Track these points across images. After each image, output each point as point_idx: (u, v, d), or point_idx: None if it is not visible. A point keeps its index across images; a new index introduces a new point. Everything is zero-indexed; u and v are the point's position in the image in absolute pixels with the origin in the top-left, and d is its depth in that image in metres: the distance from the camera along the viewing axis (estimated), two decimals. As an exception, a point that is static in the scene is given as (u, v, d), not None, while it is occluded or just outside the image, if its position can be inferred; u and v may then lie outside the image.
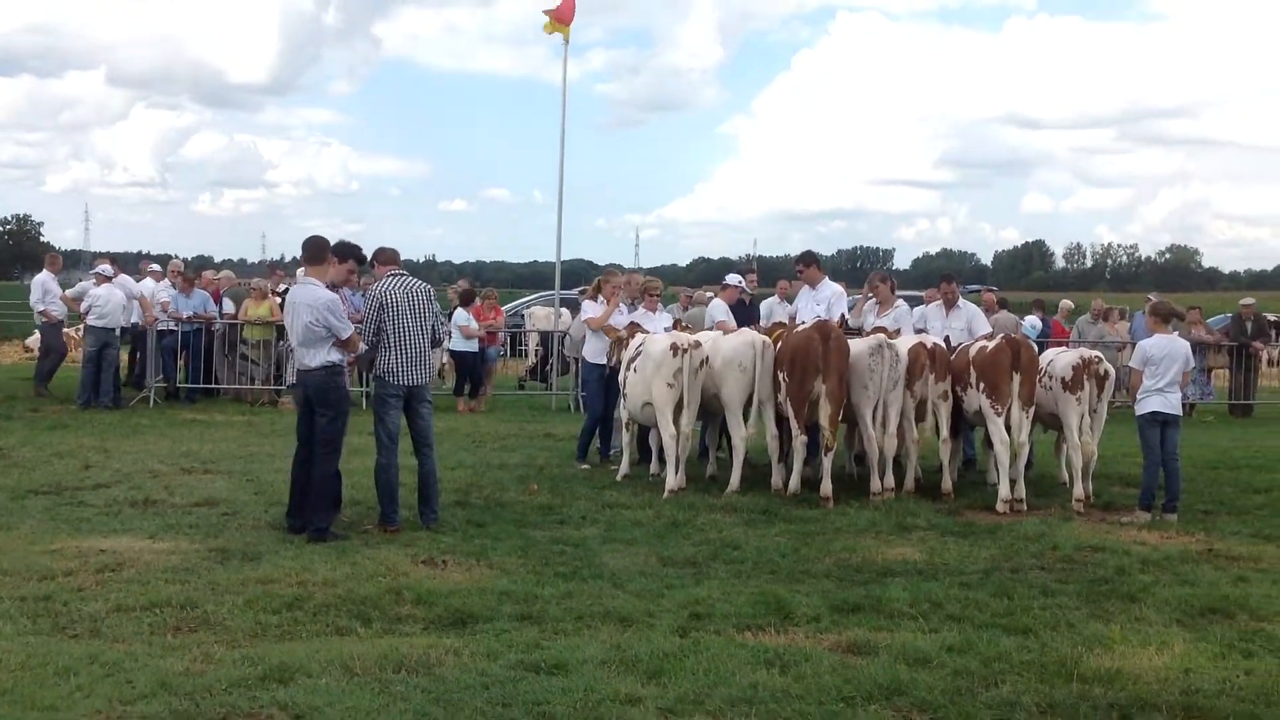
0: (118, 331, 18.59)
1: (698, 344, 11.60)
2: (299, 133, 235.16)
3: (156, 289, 20.00)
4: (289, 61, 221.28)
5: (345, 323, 9.45)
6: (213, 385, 19.81)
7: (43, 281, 20.07)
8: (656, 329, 12.83)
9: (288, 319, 9.83)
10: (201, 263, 41.38)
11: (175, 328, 19.37)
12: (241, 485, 11.39)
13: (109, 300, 18.29)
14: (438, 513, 9.89)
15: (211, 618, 6.98)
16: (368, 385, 19.91)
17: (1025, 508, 10.99)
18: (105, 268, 18.90)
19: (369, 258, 10.28)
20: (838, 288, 13.62)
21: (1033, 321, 12.96)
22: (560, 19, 20.85)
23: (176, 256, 25.76)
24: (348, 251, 10.19)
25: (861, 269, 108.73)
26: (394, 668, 6.05)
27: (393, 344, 9.73)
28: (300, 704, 5.47)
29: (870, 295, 13.82)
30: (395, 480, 9.77)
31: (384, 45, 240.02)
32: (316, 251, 9.63)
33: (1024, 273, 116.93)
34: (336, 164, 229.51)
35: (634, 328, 12.65)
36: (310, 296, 9.37)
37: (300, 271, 10.55)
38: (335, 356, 9.43)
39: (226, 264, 38.81)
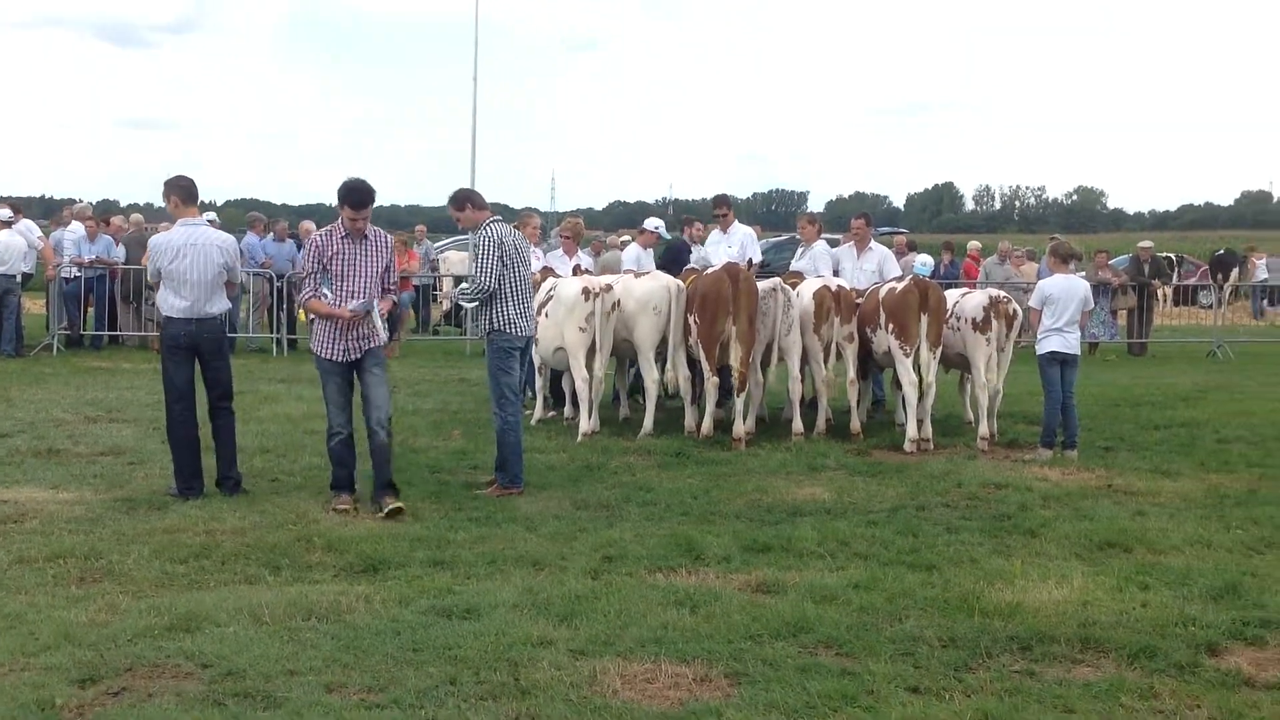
0: (19, 278, 18.11)
1: (609, 287, 11.60)
2: (210, 73, 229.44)
3: (64, 234, 19.51)
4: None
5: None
6: (117, 332, 19.43)
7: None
8: (568, 272, 12.81)
9: (180, 261, 8.77)
10: (106, 207, 40.40)
11: (79, 274, 18.93)
12: (148, 433, 11.20)
13: (9, 247, 17.78)
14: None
15: (117, 568, 6.89)
16: (278, 332, 19.78)
17: (932, 447, 11.20)
18: (4, 212, 18.37)
19: (464, 200, 9.40)
20: (749, 230, 13.69)
21: (924, 259, 13.32)
22: None
23: (81, 200, 24.99)
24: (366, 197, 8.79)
25: (777, 211, 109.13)
26: (303, 615, 6.02)
27: (511, 294, 9.26)
28: (208, 653, 5.43)
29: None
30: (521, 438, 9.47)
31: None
32: (193, 191, 9.08)
33: (935, 214, 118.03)
34: (247, 106, 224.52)
35: (546, 271, 12.60)
36: (219, 238, 9.09)
37: (182, 216, 9.05)
38: (227, 302, 9.22)
39: (133, 208, 37.80)
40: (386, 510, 8.24)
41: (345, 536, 7.55)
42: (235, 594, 6.43)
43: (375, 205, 8.74)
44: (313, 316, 8.95)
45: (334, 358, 8.55)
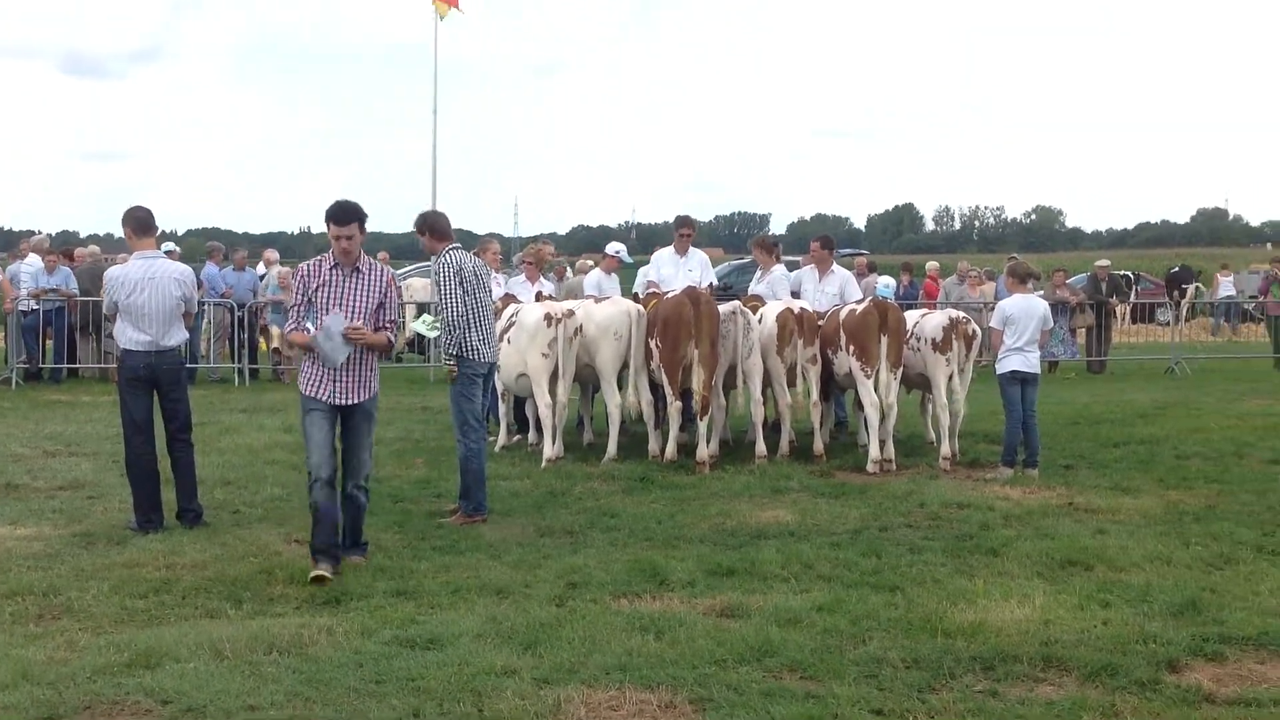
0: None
1: (571, 313, 11.62)
2: (170, 103, 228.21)
3: (20, 267, 19.33)
4: (155, 27, 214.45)
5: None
6: (76, 365, 19.27)
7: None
8: (530, 299, 12.82)
9: (137, 295, 8.72)
10: (66, 238, 40.08)
11: (37, 306, 18.77)
12: (108, 467, 11.08)
13: (-37, 279, 17.61)
14: None
15: (76, 604, 6.81)
16: (239, 362, 19.66)
17: (895, 467, 11.25)
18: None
19: (423, 227, 9.47)
20: (703, 255, 13.75)
21: (886, 281, 13.46)
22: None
23: (40, 232, 24.79)
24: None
25: (739, 234, 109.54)
26: (265, 649, 5.97)
27: (474, 321, 9.26)
28: (168, 689, 5.37)
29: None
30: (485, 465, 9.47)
31: (255, 11, 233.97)
32: (149, 222, 9.05)
33: (895, 235, 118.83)
34: (208, 135, 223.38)
35: (508, 298, 12.61)
36: (176, 270, 9.08)
37: (138, 248, 9.04)
38: (185, 333, 9.15)
39: (93, 239, 37.53)
40: (351, 559, 7.75)
41: (308, 568, 7.49)
42: (196, 629, 6.36)
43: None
44: (302, 357, 8.04)
45: (321, 396, 7.63)
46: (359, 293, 7.68)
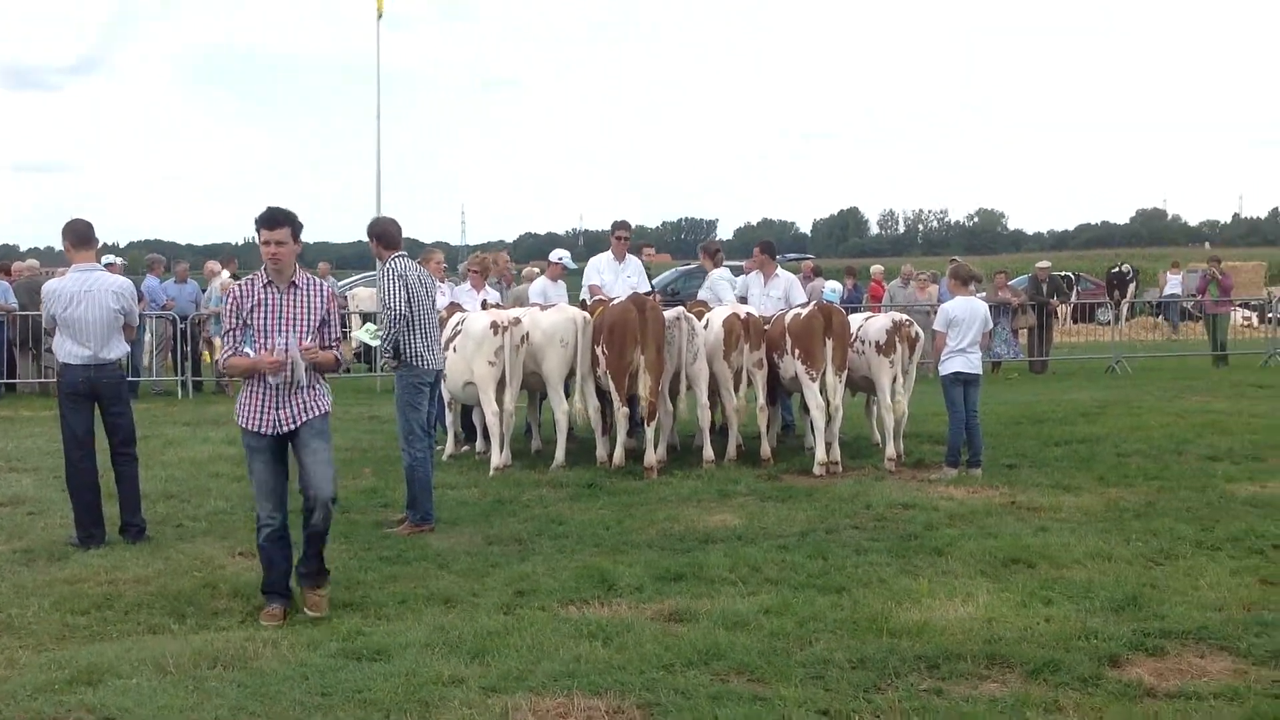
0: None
1: (517, 320, 11.61)
2: (112, 114, 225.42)
3: None
4: (95, 38, 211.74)
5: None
6: (15, 380, 18.98)
7: None
8: (475, 307, 12.78)
9: (75, 308, 8.64)
10: (6, 251, 39.48)
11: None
12: (48, 482, 10.93)
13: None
14: None
15: (16, 621, 6.73)
16: (182, 374, 19.46)
17: (841, 469, 11.32)
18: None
19: (372, 235, 9.54)
20: (638, 261, 13.78)
21: (832, 285, 13.57)
22: None
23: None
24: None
25: (687, 240, 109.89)
26: (209, 663, 5.92)
27: (418, 329, 9.26)
28: (110, 706, 5.31)
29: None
30: (431, 475, 9.41)
31: (197, 22, 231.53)
32: (88, 235, 8.94)
33: (841, 239, 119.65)
34: (150, 147, 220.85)
35: (453, 307, 12.57)
36: (115, 283, 8.99)
37: (76, 260, 8.94)
38: (125, 346, 9.04)
39: (33, 253, 36.93)
40: (315, 595, 7.03)
41: (252, 581, 7.41)
42: (139, 644, 6.30)
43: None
44: (240, 386, 7.24)
45: (261, 429, 6.87)
46: (298, 310, 6.91)
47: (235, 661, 5.96)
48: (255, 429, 6.89)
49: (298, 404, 6.90)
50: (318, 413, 6.96)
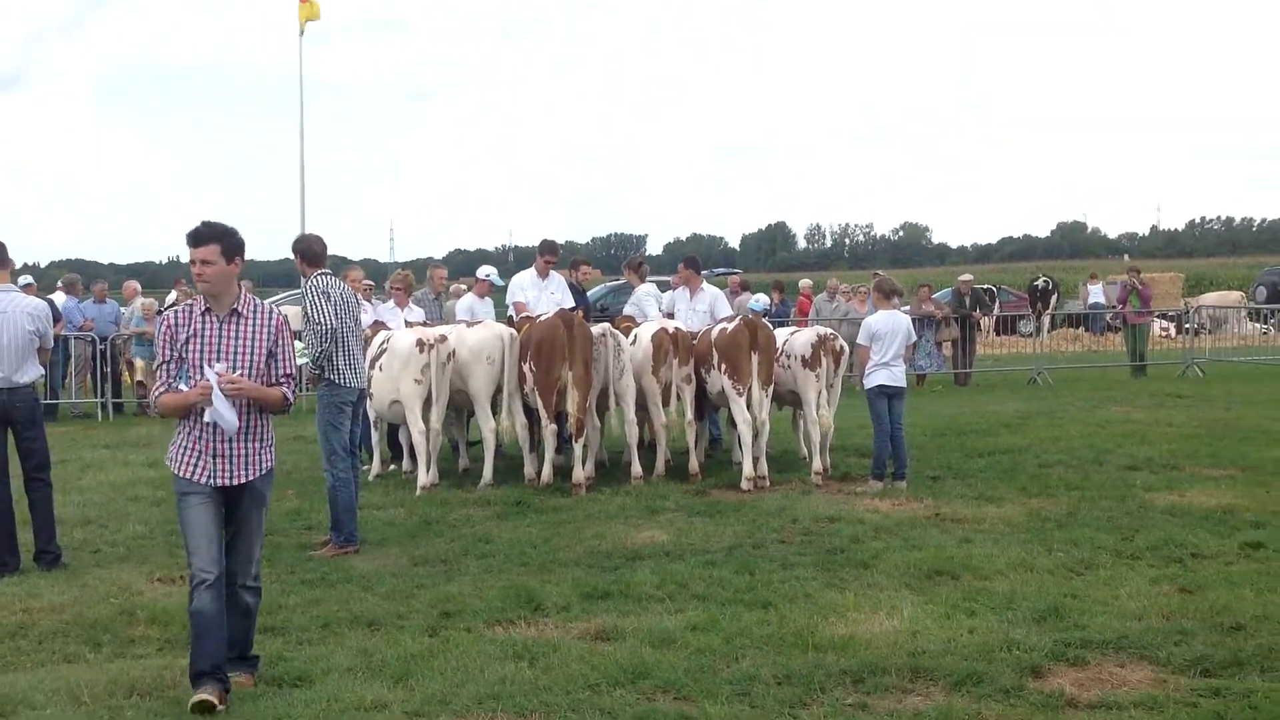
0: None
1: (443, 338, 11.53)
2: (31, 131, 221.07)
3: None
4: (12, 56, 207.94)
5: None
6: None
7: None
8: (399, 325, 12.70)
9: None
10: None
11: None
12: (-40, 509, 10.66)
13: None
14: None
15: (-75, 654, 6.55)
16: (102, 396, 19.08)
17: (768, 484, 11.36)
18: None
19: (295, 252, 9.48)
20: (562, 278, 13.76)
21: (758, 297, 13.68)
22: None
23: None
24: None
25: (616, 255, 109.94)
26: (125, 692, 5.82)
27: (343, 346, 9.15)
28: (22, 739, 5.19)
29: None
30: (355, 495, 9.29)
31: (115, 38, 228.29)
32: (2, 256, 8.76)
33: (769, 254, 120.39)
34: (71, 164, 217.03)
35: (378, 326, 12.46)
36: (29, 304, 8.81)
37: None
38: (39, 369, 8.86)
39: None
40: (239, 680, 5.97)
41: (171, 608, 7.28)
42: (53, 674, 6.17)
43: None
44: (176, 427, 6.10)
45: (196, 478, 5.88)
46: (241, 342, 5.94)
47: (152, 691, 5.85)
48: (188, 475, 5.90)
49: (242, 455, 5.93)
50: (261, 471, 6.03)
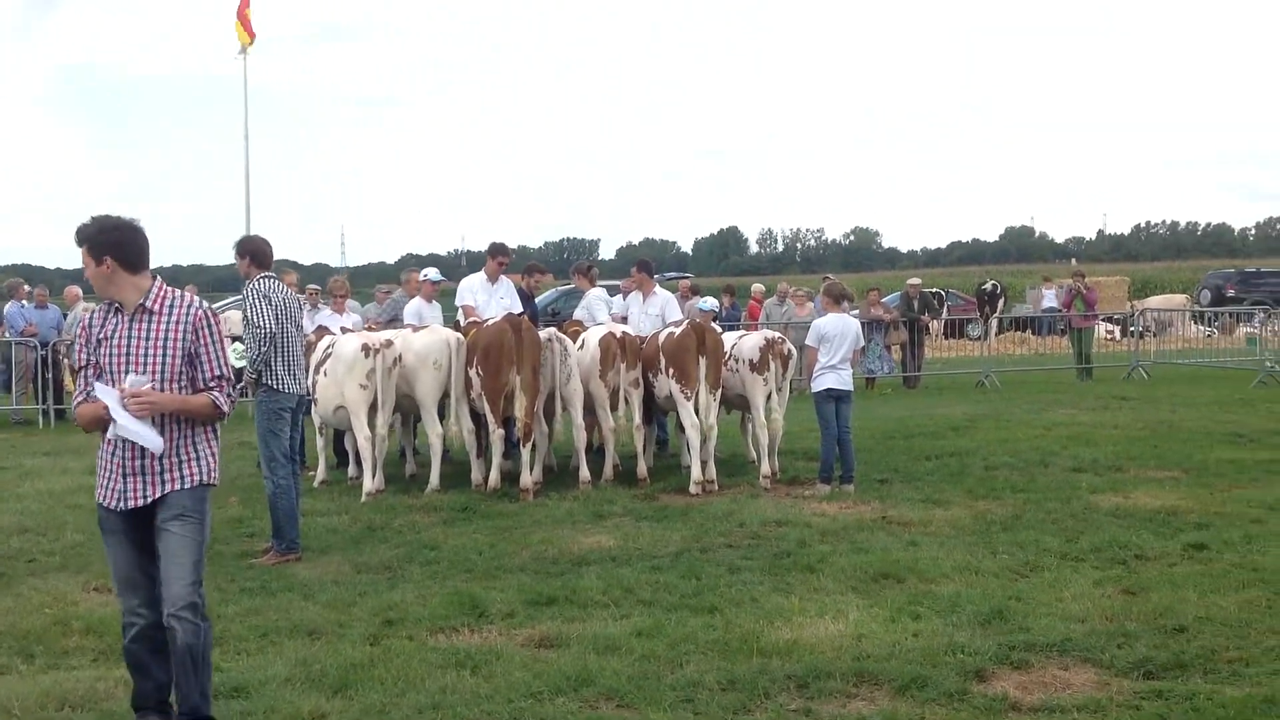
0: None
1: (389, 343, 11.42)
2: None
3: None
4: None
5: None
6: None
7: None
8: (338, 331, 12.57)
9: None
10: None
11: None
12: (-108, 519, 10.45)
13: None
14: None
15: None
16: (43, 402, 18.76)
17: (716, 487, 11.34)
18: None
19: (238, 252, 9.35)
20: (510, 282, 13.68)
21: (707, 299, 13.70)
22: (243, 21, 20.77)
23: None
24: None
25: (569, 260, 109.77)
26: (58, 705, 5.69)
27: (283, 351, 9.02)
28: (-53, 755, 5.05)
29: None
30: (297, 502, 9.15)
31: (59, 44, 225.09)
32: None
33: (721, 258, 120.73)
34: (16, 169, 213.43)
35: (321, 331, 12.33)
36: None
37: None
38: None
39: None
40: None
41: (107, 618, 7.12)
42: (-18, 688, 6.01)
43: (158, 266, 5.64)
44: (101, 444, 5.40)
45: (106, 501, 5.28)
46: (152, 342, 5.25)
47: (85, 703, 5.73)
48: (101, 501, 5.32)
49: (155, 471, 5.21)
50: (181, 485, 5.23)
